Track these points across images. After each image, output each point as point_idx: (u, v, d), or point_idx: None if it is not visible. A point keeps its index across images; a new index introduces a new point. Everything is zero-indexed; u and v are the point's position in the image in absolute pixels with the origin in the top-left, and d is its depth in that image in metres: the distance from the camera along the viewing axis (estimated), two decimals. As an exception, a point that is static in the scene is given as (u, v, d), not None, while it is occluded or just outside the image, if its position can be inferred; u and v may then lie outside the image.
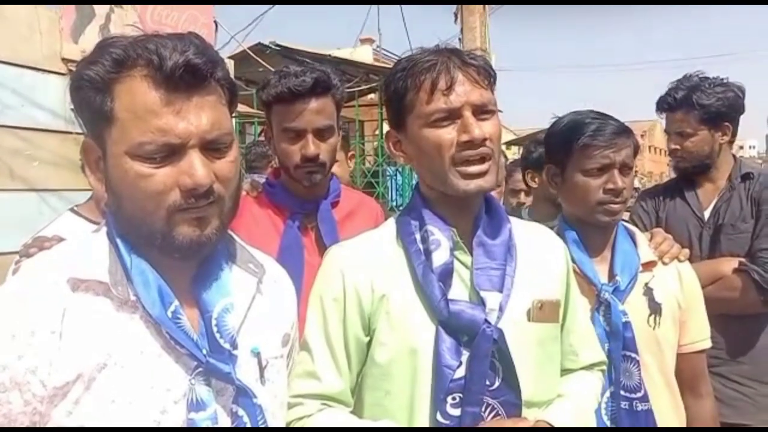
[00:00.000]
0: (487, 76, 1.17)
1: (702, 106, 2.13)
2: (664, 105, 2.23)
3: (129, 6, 5.35)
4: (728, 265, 2.02)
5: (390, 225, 1.29)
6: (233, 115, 1.06)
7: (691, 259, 1.74)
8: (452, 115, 1.15)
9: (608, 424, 1.47)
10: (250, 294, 1.05)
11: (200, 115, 0.90)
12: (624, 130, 1.57)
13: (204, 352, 0.94)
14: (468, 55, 1.18)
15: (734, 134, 2.20)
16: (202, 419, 0.92)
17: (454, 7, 7.69)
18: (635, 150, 1.59)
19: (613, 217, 1.57)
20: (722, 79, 2.19)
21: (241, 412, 0.96)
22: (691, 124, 2.16)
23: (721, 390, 2.00)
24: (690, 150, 2.19)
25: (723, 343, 2.00)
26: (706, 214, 2.19)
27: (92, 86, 0.90)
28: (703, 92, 2.13)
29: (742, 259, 2.01)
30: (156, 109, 0.88)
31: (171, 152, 0.90)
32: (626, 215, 2.17)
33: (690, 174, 2.24)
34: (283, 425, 1.11)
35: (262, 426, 0.98)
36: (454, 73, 1.14)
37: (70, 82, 0.93)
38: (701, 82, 2.17)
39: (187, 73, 0.89)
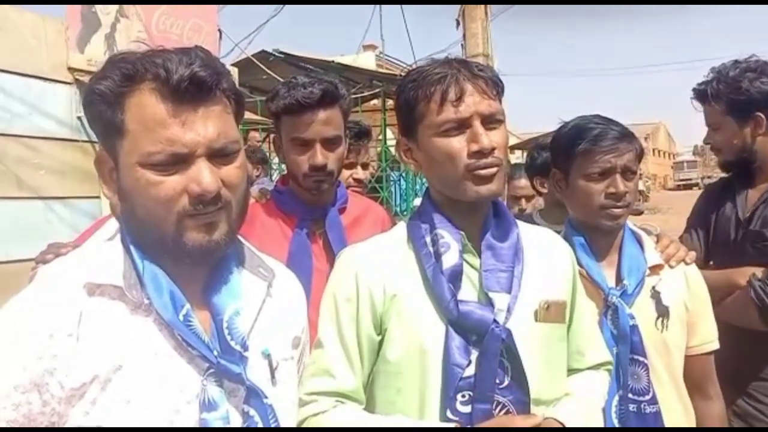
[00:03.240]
0: (495, 87, 1.21)
1: (717, 97, 1.94)
2: (696, 97, 2.04)
3: (134, 15, 5.40)
4: (743, 275, 1.84)
5: (401, 229, 1.33)
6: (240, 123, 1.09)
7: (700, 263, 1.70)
8: (462, 125, 1.18)
9: (617, 425, 1.48)
10: (261, 297, 1.08)
11: (207, 125, 0.94)
12: (626, 135, 1.58)
13: (215, 353, 0.96)
14: (477, 67, 1.22)
15: None
16: (214, 419, 0.94)
17: (456, 14, 7.72)
18: (639, 154, 1.60)
19: (616, 221, 1.58)
20: (762, 64, 1.91)
21: (252, 412, 0.98)
22: (715, 114, 1.98)
23: (741, 405, 1.91)
24: (719, 144, 2.01)
25: (738, 354, 1.81)
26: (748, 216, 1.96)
27: (103, 100, 0.94)
28: (722, 81, 1.93)
29: (757, 272, 1.80)
30: (164, 120, 0.92)
31: (180, 161, 0.93)
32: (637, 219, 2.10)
33: (741, 169, 2.01)
34: (293, 426, 1.12)
35: (274, 426, 1.00)
36: (463, 85, 1.18)
37: (82, 97, 0.97)
38: (728, 70, 1.94)
39: (193, 85, 0.92)
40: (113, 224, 1.81)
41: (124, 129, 0.93)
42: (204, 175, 0.93)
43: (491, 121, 1.19)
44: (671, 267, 1.65)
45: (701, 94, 2.01)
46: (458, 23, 7.62)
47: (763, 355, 1.90)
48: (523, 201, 3.02)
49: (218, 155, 0.95)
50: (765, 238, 1.87)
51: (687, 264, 1.68)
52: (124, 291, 0.95)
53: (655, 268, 1.62)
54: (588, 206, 1.59)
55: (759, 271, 1.81)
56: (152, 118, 0.92)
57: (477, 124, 1.17)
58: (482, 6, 7.44)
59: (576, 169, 1.59)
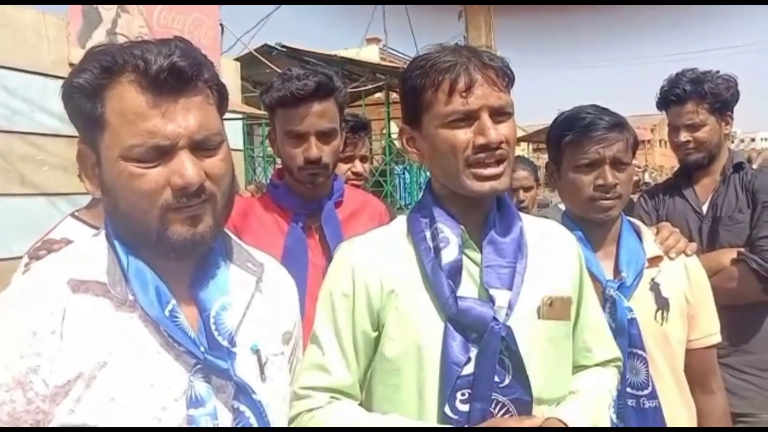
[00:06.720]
0: (505, 77, 1.17)
1: (714, 95, 2.15)
2: (672, 97, 2.21)
3: (135, 11, 5.39)
4: (727, 256, 2.03)
5: (401, 222, 1.30)
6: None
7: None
8: (469, 117, 1.15)
9: (616, 421, 1.45)
10: (249, 292, 1.06)
11: (187, 117, 0.92)
12: (617, 125, 1.53)
13: (202, 349, 0.95)
14: (488, 56, 1.17)
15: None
16: (201, 415, 0.93)
17: (458, 5, 7.66)
18: (634, 144, 1.57)
19: (606, 213, 1.54)
20: (717, 71, 2.21)
21: (242, 408, 0.97)
22: (702, 113, 2.17)
23: (730, 380, 2.00)
24: (702, 140, 2.18)
25: (728, 333, 1.94)
26: (705, 207, 2.20)
27: (82, 93, 0.93)
28: (711, 82, 2.16)
29: (742, 249, 2.03)
30: (144, 112, 0.90)
31: (161, 153, 0.91)
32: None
33: (692, 168, 2.25)
34: (285, 422, 1.11)
35: (265, 422, 0.99)
36: (473, 75, 1.13)
37: (61, 91, 0.95)
38: (704, 74, 2.19)
39: (172, 75, 0.91)
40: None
41: (104, 122, 0.92)
42: (186, 167, 0.91)
43: (500, 113, 1.15)
44: (671, 258, 1.62)
45: (692, 92, 2.18)
46: (460, 15, 7.55)
47: (742, 330, 2.08)
48: (521, 192, 3.02)
49: (201, 147, 0.94)
50: (737, 220, 2.11)
51: (687, 255, 1.65)
52: (108, 287, 0.94)
53: (655, 260, 1.59)
54: (578, 198, 1.56)
55: (741, 249, 2.03)
56: (132, 110, 0.90)
57: (485, 116, 1.14)
58: (485, -3, 7.37)
59: (566, 161, 1.57)
